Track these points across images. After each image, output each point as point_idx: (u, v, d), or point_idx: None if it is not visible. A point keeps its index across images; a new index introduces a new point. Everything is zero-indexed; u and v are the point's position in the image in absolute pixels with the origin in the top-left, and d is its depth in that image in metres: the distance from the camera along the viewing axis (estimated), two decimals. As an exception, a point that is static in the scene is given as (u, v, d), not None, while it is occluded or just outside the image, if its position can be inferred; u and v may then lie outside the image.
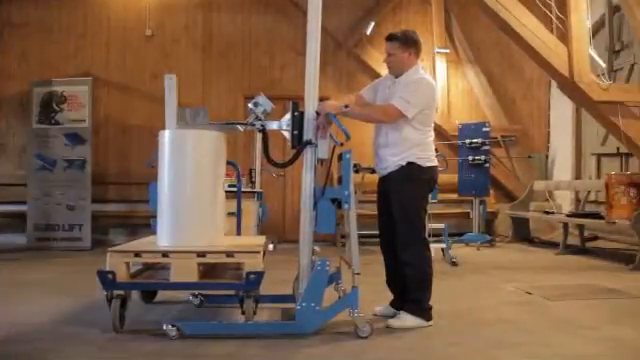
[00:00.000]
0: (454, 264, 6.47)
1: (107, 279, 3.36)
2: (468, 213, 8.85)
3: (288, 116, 3.70)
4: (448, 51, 9.67)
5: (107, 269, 3.37)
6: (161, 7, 9.16)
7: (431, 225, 7.20)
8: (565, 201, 9.16)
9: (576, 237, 7.78)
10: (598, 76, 6.48)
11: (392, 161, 3.82)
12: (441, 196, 7.82)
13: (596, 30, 7.68)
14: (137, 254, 3.50)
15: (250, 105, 3.80)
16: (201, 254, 3.46)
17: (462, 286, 5.28)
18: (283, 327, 3.56)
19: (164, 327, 3.34)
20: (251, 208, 6.52)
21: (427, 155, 3.83)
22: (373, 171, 8.85)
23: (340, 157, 3.75)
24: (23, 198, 8.32)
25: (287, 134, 3.73)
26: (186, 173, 3.72)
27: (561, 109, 9.26)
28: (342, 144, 3.66)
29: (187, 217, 3.68)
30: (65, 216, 8.20)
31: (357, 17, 9.47)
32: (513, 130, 9.64)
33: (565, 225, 7.62)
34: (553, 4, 6.58)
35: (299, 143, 3.63)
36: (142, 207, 7.93)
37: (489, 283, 5.41)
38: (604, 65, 7.02)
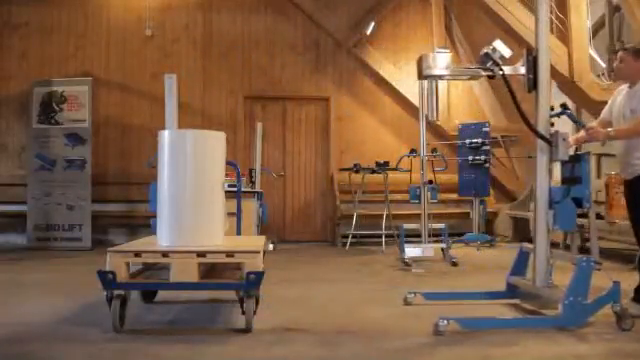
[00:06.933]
0: (454, 264, 6.47)
1: (107, 279, 3.36)
2: (468, 213, 8.86)
3: (521, 61, 3.92)
4: (448, 51, 9.63)
5: (107, 269, 3.37)
6: (161, 7, 9.17)
7: (431, 225, 7.20)
8: (565, 201, 9.14)
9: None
10: (598, 76, 6.48)
11: None
12: (441, 196, 7.82)
13: (596, 30, 7.67)
14: (137, 254, 3.49)
15: (487, 50, 3.94)
16: (201, 254, 3.46)
17: (462, 286, 5.27)
18: (550, 321, 3.72)
19: (439, 322, 3.42)
20: (251, 208, 6.53)
21: None
22: (373, 171, 8.85)
23: (577, 158, 3.97)
24: (23, 198, 8.33)
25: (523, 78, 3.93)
26: (186, 173, 3.72)
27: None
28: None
29: (187, 217, 3.68)
30: (65, 216, 8.20)
31: (357, 17, 9.46)
32: (513, 130, 9.63)
33: (565, 225, 7.60)
34: (553, 4, 6.58)
35: (534, 87, 3.90)
36: (142, 207, 7.94)
37: (489, 283, 5.40)
38: (604, 65, 7.02)
